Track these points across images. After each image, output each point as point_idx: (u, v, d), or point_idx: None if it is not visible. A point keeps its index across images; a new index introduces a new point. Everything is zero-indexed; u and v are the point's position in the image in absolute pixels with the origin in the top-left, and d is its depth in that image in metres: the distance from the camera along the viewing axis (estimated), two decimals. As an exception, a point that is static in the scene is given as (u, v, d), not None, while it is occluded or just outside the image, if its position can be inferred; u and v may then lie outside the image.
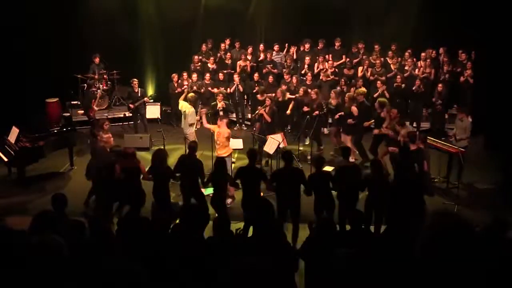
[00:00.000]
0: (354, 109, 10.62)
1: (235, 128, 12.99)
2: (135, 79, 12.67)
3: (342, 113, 10.90)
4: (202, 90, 12.88)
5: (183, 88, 12.71)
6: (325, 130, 12.76)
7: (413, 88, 12.36)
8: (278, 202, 7.48)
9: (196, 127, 10.75)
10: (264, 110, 10.78)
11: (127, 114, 13.40)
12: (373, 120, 10.60)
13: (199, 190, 7.95)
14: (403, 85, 12.65)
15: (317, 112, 10.97)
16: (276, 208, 7.53)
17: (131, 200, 7.70)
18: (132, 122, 13.13)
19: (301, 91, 11.85)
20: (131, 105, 12.52)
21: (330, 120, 12.38)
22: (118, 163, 7.93)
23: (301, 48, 14.48)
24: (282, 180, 7.57)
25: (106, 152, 8.56)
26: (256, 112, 11.06)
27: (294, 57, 14.32)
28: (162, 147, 9.89)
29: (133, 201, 7.63)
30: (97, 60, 14.25)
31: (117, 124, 14.11)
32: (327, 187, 7.57)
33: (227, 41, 14.63)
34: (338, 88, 12.27)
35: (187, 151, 8.41)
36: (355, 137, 10.71)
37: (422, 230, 2.29)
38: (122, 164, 7.88)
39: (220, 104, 11.04)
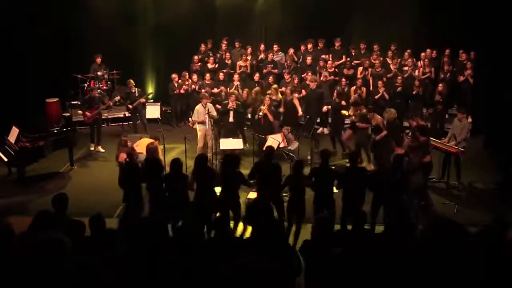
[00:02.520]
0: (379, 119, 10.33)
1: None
2: (131, 80, 12.67)
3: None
4: (202, 90, 12.89)
5: (184, 88, 12.74)
6: (325, 130, 12.77)
7: (413, 92, 12.34)
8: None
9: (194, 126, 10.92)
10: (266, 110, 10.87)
11: (127, 114, 13.40)
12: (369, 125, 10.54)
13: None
14: (399, 88, 12.58)
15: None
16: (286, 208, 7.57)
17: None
18: (131, 122, 13.14)
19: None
20: (129, 106, 12.53)
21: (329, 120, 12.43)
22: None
23: (302, 48, 14.49)
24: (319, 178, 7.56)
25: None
26: (259, 112, 11.07)
27: (294, 57, 14.32)
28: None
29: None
30: (98, 60, 14.25)
31: (117, 124, 14.15)
32: (331, 184, 7.53)
33: (225, 41, 14.62)
34: (338, 87, 12.27)
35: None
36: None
37: (418, 233, 2.31)
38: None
39: (231, 104, 11.05)
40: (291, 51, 14.35)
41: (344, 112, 11.19)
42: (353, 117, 10.74)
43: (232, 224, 7.43)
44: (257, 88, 12.03)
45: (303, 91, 12.55)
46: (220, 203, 7.43)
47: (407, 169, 8.21)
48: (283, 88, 12.54)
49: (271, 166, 7.69)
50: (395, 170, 7.65)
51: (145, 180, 7.77)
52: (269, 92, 11.67)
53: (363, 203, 7.49)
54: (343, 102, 11.58)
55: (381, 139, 10.05)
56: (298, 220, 7.53)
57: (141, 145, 9.39)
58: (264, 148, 8.22)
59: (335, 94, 11.78)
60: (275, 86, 12.08)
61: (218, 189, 7.81)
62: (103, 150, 12.16)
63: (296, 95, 11.91)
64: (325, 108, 12.06)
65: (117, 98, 13.34)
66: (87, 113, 11.88)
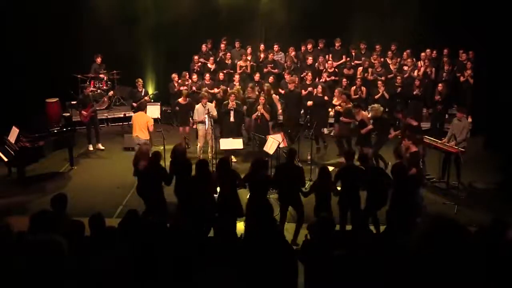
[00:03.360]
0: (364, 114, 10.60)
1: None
2: (140, 79, 12.71)
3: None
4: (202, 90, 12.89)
5: (184, 88, 12.74)
6: (325, 130, 12.77)
7: (414, 93, 12.36)
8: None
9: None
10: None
11: (127, 114, 13.39)
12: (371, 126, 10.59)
13: (299, 198, 7.67)
14: (399, 89, 12.61)
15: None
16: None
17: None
18: (131, 122, 13.11)
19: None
20: (134, 104, 12.51)
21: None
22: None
23: (303, 48, 14.49)
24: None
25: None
26: (257, 112, 11.08)
27: (294, 59, 14.30)
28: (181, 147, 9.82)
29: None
30: (98, 60, 14.25)
31: (117, 124, 14.15)
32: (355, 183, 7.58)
33: (224, 41, 14.63)
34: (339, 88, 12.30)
35: (286, 157, 8.09)
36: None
37: (415, 232, 2.30)
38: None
39: (231, 104, 11.06)
40: (292, 51, 14.34)
41: (338, 108, 11.35)
42: (340, 108, 11.12)
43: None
44: (237, 87, 12.11)
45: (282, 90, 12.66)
46: (249, 206, 7.42)
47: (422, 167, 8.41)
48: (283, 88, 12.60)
49: (293, 168, 7.78)
50: (411, 168, 7.81)
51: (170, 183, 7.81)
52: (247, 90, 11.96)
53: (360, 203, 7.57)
54: (326, 98, 11.81)
55: (366, 133, 10.37)
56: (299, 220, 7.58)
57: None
58: (286, 152, 8.30)
59: (319, 89, 11.95)
60: (251, 84, 12.16)
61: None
62: (102, 148, 12.20)
63: (274, 95, 11.98)
64: (310, 103, 12.10)
65: (111, 93, 13.39)
66: (83, 112, 11.95)
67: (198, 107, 10.99)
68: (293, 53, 14.27)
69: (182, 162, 7.91)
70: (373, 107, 10.71)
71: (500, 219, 4.79)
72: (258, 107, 11.02)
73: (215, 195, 7.63)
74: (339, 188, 7.64)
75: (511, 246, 4.43)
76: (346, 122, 11.01)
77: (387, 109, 12.13)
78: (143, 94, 12.56)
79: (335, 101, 11.63)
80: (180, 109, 11.86)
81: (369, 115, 10.63)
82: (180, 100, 11.78)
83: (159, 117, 13.73)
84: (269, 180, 7.64)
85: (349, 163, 7.74)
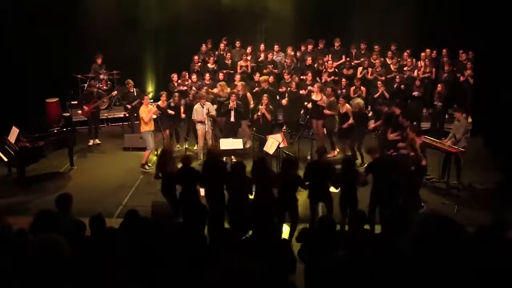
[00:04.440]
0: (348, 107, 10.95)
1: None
2: (130, 80, 12.67)
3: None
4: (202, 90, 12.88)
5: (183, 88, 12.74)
6: (324, 130, 12.76)
7: (414, 93, 12.36)
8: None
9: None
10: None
11: (127, 114, 13.38)
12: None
13: (330, 194, 7.76)
14: (402, 86, 12.65)
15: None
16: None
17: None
18: (130, 122, 13.13)
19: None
20: (128, 106, 12.52)
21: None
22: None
23: (303, 48, 14.48)
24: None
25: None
26: (258, 112, 11.09)
27: (294, 59, 14.29)
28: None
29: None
30: (99, 60, 14.24)
31: (117, 124, 14.14)
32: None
33: (224, 41, 14.63)
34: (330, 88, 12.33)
35: (316, 156, 8.16)
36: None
37: (412, 231, 2.30)
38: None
39: (232, 104, 11.07)
40: (290, 50, 14.33)
41: (320, 102, 11.42)
42: (322, 102, 11.27)
43: (288, 226, 7.65)
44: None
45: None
46: (278, 205, 7.50)
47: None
48: (283, 88, 12.60)
49: (323, 165, 7.88)
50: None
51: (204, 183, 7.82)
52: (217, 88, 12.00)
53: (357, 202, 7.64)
54: (303, 91, 12.01)
55: (348, 127, 10.80)
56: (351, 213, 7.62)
57: None
58: (316, 151, 8.40)
59: (293, 85, 12.10)
60: (222, 83, 12.18)
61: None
62: (99, 142, 12.36)
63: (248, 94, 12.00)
64: (284, 101, 12.18)
65: (114, 93, 13.40)
66: (85, 107, 12.14)
67: (197, 107, 10.99)
68: (292, 52, 14.26)
69: (216, 163, 7.93)
70: (353, 101, 11.01)
71: (500, 219, 4.79)
72: (260, 107, 11.03)
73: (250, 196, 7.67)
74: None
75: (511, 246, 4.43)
76: (330, 115, 11.19)
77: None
78: (135, 94, 12.54)
79: (314, 96, 11.66)
80: (160, 112, 11.41)
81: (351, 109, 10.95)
82: (160, 103, 11.43)
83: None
84: (299, 178, 7.70)
85: (379, 156, 7.87)
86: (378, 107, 11.84)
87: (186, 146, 11.77)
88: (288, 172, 7.55)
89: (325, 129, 11.56)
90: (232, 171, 7.75)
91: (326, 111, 11.18)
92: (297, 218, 7.62)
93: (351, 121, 10.78)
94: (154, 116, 10.96)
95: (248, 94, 11.89)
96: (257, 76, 13.17)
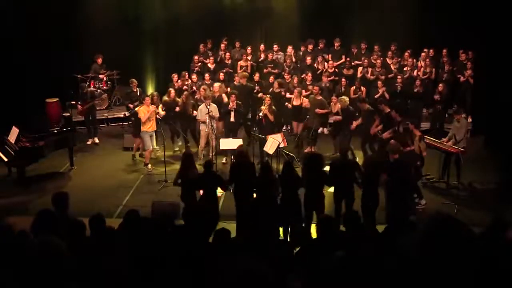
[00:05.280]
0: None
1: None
2: (134, 79, 12.67)
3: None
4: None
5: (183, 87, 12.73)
6: (325, 130, 12.77)
7: (415, 90, 12.38)
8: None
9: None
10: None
11: (127, 114, 13.37)
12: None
13: (353, 191, 7.87)
14: (399, 88, 12.63)
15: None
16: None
17: None
18: (131, 122, 13.12)
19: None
20: (130, 105, 12.52)
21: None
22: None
23: (302, 48, 14.48)
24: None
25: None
26: (259, 113, 11.09)
27: (293, 58, 14.29)
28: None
29: None
30: (99, 60, 14.24)
31: (117, 124, 14.14)
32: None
33: (224, 41, 14.62)
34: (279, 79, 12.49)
35: (339, 154, 8.33)
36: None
37: (417, 232, 2.30)
38: None
39: (231, 104, 11.07)
40: (290, 50, 14.33)
41: (305, 104, 11.52)
42: (307, 104, 11.50)
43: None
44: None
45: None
46: (305, 205, 7.55)
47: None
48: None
49: (347, 163, 8.02)
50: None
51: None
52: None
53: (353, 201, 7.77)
54: (283, 93, 12.09)
55: (336, 124, 11.21)
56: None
57: None
58: (339, 150, 8.65)
59: (275, 84, 12.16)
60: (204, 86, 12.06)
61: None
62: (97, 141, 12.39)
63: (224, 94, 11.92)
64: (260, 94, 12.25)
65: (104, 96, 13.38)
66: (79, 106, 12.30)
67: (202, 107, 10.96)
68: (292, 52, 14.26)
69: (245, 164, 7.95)
70: (341, 99, 11.17)
71: (500, 218, 4.78)
72: (262, 107, 11.04)
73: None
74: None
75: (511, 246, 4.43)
76: (321, 114, 11.32)
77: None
78: (138, 94, 12.53)
79: (295, 101, 11.75)
80: (136, 118, 11.22)
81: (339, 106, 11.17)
82: (138, 109, 11.18)
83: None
84: (325, 176, 7.76)
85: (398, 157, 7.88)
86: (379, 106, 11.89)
87: (177, 149, 11.88)
88: (315, 170, 7.61)
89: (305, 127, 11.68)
90: (260, 172, 7.75)
91: (318, 110, 11.25)
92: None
93: (338, 117, 11.07)
94: (159, 117, 10.93)
95: (224, 96, 11.78)
96: (256, 76, 13.17)
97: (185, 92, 11.86)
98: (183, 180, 7.96)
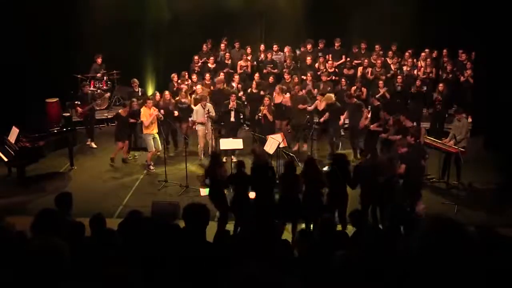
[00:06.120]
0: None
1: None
2: (136, 79, 12.68)
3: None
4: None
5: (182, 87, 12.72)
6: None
7: (412, 90, 12.40)
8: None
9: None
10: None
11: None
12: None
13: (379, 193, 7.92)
14: (399, 87, 12.64)
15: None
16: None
17: None
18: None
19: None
20: (79, 108, 12.47)
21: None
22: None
23: (302, 49, 14.48)
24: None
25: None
26: (259, 113, 11.11)
27: (289, 60, 14.26)
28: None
29: None
30: (99, 60, 14.23)
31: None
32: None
33: (224, 41, 14.62)
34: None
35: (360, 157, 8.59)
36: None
37: (416, 233, 2.30)
38: None
39: (232, 104, 11.08)
40: (288, 51, 14.33)
41: (285, 102, 11.62)
42: (288, 102, 11.62)
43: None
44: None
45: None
46: (329, 203, 7.68)
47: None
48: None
49: (371, 166, 8.04)
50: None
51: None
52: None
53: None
54: (262, 92, 12.07)
55: (324, 121, 11.31)
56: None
57: None
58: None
59: (253, 85, 12.28)
60: (185, 89, 12.14)
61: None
62: (95, 146, 12.26)
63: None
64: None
65: (107, 94, 13.32)
66: (79, 109, 12.12)
67: (198, 108, 11.00)
68: (288, 53, 14.26)
69: (264, 165, 7.99)
70: (326, 96, 11.41)
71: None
72: (262, 107, 11.05)
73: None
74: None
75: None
76: (302, 109, 11.41)
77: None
78: (140, 94, 12.53)
79: (276, 99, 11.83)
80: (118, 121, 11.26)
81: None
82: (121, 111, 11.23)
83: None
84: (350, 175, 7.84)
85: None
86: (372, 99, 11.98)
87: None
88: (344, 170, 7.70)
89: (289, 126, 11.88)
90: (284, 171, 7.82)
91: (300, 106, 11.39)
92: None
93: (326, 115, 11.18)
94: (162, 117, 10.93)
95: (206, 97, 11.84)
96: (256, 76, 13.18)
97: (166, 93, 11.80)
98: (211, 180, 8.02)
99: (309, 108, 11.43)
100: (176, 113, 11.52)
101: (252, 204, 7.65)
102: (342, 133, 12.04)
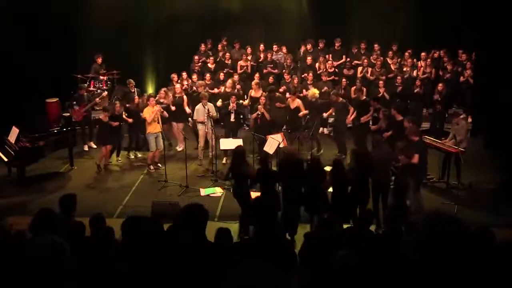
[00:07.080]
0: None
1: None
2: (131, 80, 12.64)
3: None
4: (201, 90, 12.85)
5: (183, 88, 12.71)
6: (325, 130, 12.77)
7: (415, 91, 12.41)
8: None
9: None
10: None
11: (125, 114, 13.33)
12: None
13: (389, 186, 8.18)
14: (399, 88, 12.64)
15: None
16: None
17: None
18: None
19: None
20: (128, 105, 12.48)
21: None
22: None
23: (303, 48, 14.48)
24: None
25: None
26: (257, 112, 11.10)
27: (288, 59, 14.26)
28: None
29: None
30: (99, 60, 14.23)
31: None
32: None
33: (224, 41, 14.63)
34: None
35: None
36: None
37: (416, 231, 2.29)
38: None
39: (232, 105, 11.08)
40: (284, 49, 14.33)
41: (262, 99, 11.43)
42: (263, 100, 11.42)
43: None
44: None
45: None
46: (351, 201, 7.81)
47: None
48: (283, 88, 12.61)
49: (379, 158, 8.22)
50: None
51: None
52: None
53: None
54: (241, 92, 12.33)
55: (304, 117, 11.34)
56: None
57: None
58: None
59: (228, 84, 12.29)
60: (164, 89, 12.04)
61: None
62: (94, 146, 12.17)
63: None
64: (219, 103, 12.16)
65: (105, 94, 13.30)
66: (75, 109, 12.07)
67: (199, 107, 10.99)
68: (285, 54, 14.25)
69: (293, 161, 7.98)
70: (310, 91, 11.54)
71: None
72: (259, 106, 11.06)
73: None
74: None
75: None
76: (279, 107, 11.43)
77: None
78: (136, 95, 12.50)
79: (253, 94, 11.96)
80: (99, 126, 11.06)
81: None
82: (102, 116, 10.99)
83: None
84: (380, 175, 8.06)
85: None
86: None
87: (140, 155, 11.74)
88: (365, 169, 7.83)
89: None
90: (309, 167, 8.01)
91: (278, 104, 11.44)
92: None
93: (305, 112, 11.20)
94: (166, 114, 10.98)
95: (184, 97, 11.90)
96: (256, 76, 13.18)
97: (146, 95, 11.80)
98: (234, 177, 8.03)
99: (302, 113, 11.35)
100: (173, 108, 11.58)
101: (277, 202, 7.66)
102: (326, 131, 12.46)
